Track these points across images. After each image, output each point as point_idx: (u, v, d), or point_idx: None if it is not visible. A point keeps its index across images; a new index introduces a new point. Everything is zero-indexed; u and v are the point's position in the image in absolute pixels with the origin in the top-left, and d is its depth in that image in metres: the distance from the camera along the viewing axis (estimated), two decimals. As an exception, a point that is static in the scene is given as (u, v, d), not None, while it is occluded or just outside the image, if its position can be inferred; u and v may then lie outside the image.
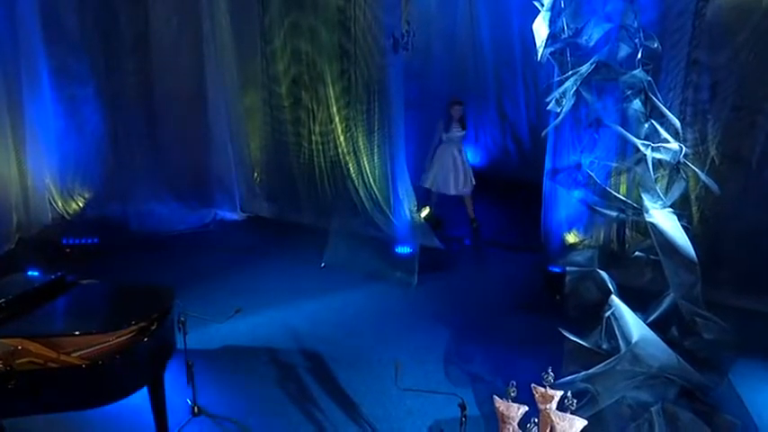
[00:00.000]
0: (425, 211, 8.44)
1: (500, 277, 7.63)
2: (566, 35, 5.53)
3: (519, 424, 3.57)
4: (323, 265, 7.90)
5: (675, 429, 4.15)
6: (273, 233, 8.78)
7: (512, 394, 3.57)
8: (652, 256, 5.07)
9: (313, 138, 8.37)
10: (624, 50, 5.36)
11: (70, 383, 4.35)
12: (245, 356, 6.18)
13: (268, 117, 8.67)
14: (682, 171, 5.16)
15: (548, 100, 5.64)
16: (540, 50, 5.57)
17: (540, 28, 5.56)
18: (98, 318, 4.71)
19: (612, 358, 4.48)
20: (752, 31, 5.91)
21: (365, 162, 8.00)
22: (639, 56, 5.34)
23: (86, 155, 8.66)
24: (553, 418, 3.41)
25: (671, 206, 5.12)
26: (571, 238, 6.86)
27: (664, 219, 5.03)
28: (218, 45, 8.41)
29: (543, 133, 5.95)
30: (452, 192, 8.46)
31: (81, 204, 8.77)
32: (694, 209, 5.95)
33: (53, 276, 5.05)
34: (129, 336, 4.61)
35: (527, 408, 3.57)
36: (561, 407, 3.47)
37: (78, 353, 4.45)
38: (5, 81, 7.80)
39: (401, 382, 5.66)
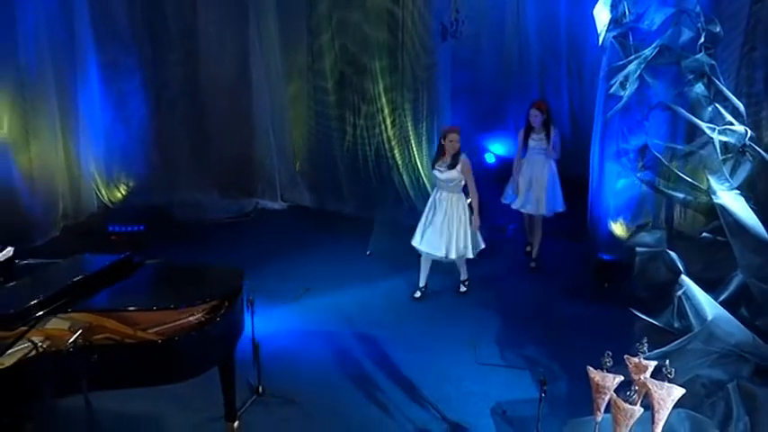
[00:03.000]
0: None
1: (547, 266, 7.64)
2: (627, 20, 5.57)
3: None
4: (368, 252, 7.95)
5: (752, 406, 4.19)
6: (316, 222, 8.84)
7: (607, 364, 3.60)
8: (719, 238, 5.11)
9: (358, 126, 8.43)
10: (686, 34, 5.39)
11: (146, 359, 4.40)
12: (302, 340, 6.24)
13: (312, 105, 8.74)
14: (747, 153, 5.19)
15: (611, 83, 5.67)
16: (602, 35, 5.61)
17: (602, 13, 5.60)
18: (171, 295, 4.71)
19: (687, 336, 4.52)
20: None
21: (414, 150, 8.05)
22: (702, 40, 5.37)
23: (132, 145, 8.78)
24: (651, 387, 3.44)
25: (737, 188, 5.17)
26: (618, 228, 6.90)
27: (732, 200, 5.07)
28: (262, 34, 8.49)
29: (609, 114, 5.96)
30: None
31: (124, 193, 8.88)
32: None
33: (120, 256, 5.11)
34: (203, 314, 4.67)
35: (622, 377, 3.62)
36: (657, 376, 3.51)
37: (154, 329, 4.52)
38: (57, 74, 7.97)
39: (480, 358, 5.86)
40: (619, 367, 3.80)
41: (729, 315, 4.60)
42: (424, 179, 8.42)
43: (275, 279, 7.16)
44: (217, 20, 8.49)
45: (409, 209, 8.29)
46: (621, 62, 5.67)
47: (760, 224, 4.94)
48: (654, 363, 3.57)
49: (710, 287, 4.83)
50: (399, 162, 8.33)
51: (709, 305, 4.66)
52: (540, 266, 7.58)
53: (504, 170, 8.26)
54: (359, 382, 5.64)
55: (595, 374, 3.59)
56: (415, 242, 6.75)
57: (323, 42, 8.41)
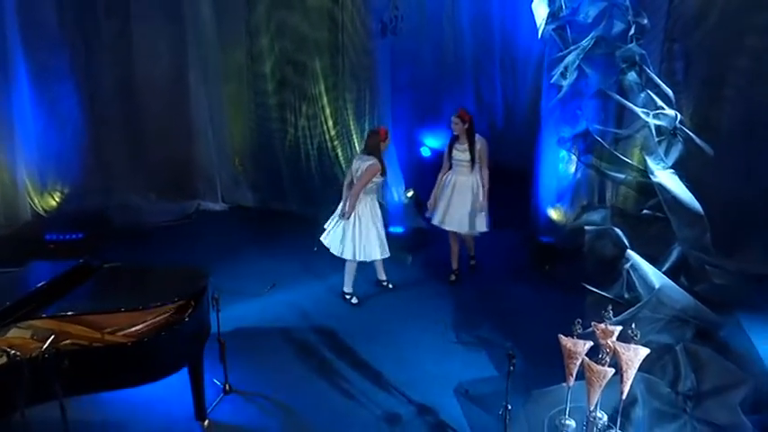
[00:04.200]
0: (410, 193, 8.68)
1: (489, 252, 7.93)
2: (564, 13, 5.93)
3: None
4: (315, 249, 8.00)
5: (696, 365, 4.59)
6: (259, 222, 8.85)
7: (578, 330, 3.86)
8: (659, 214, 5.52)
9: (299, 124, 8.48)
10: (618, 26, 5.79)
11: (117, 361, 4.38)
12: (260, 337, 6.28)
13: (252, 104, 8.72)
14: (678, 135, 5.63)
15: (552, 73, 6.02)
16: (541, 28, 5.95)
17: (539, 7, 5.93)
18: (137, 296, 4.70)
19: (638, 305, 4.88)
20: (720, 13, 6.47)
21: (356, 147, 8.17)
22: (632, 31, 5.78)
23: (66, 151, 8.49)
24: (618, 349, 3.72)
25: (671, 167, 5.60)
26: (556, 213, 7.30)
27: (668, 179, 5.49)
28: (198, 34, 8.41)
29: (551, 103, 6.31)
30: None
31: (59, 200, 8.57)
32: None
33: (77, 261, 5.01)
34: (170, 315, 4.66)
35: (592, 343, 3.89)
36: (623, 339, 3.80)
37: (122, 332, 4.48)
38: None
39: (448, 337, 6.13)
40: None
41: (673, 284, 5.01)
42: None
43: (224, 279, 7.09)
44: (151, 20, 8.35)
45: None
46: (561, 53, 6.04)
47: (694, 199, 5.40)
48: (619, 327, 3.87)
49: (653, 260, 5.23)
50: (342, 159, 8.43)
51: (655, 276, 5.05)
52: (478, 265, 7.52)
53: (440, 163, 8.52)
54: (323, 374, 5.73)
55: (567, 341, 3.85)
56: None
57: (262, 43, 8.41)
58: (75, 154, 8.50)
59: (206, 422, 5.07)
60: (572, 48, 5.86)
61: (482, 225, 6.87)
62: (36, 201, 8.45)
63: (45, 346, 4.02)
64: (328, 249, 6.68)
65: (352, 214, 6.46)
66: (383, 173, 6.49)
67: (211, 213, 9.14)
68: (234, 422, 5.15)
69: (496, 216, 8.33)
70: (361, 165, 6.44)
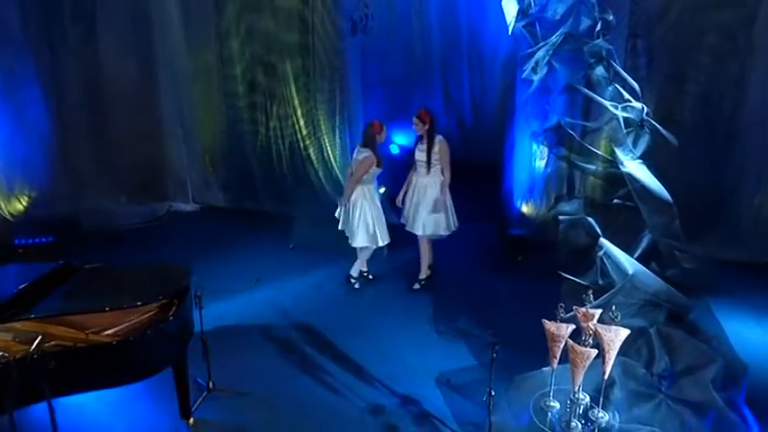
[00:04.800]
0: (382, 189, 8.76)
1: (462, 246, 8.06)
2: (533, 10, 6.10)
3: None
4: (291, 246, 8.07)
5: (670, 346, 4.79)
6: (232, 222, 8.86)
7: (561, 315, 4.00)
8: (629, 203, 5.73)
9: (271, 124, 8.49)
10: (585, 23, 5.99)
11: (103, 361, 4.35)
12: (241, 335, 6.29)
13: (223, 105, 8.70)
14: (645, 127, 5.85)
15: (524, 68, 6.18)
16: (511, 25, 6.12)
17: (509, 4, 6.09)
18: (121, 296, 4.65)
19: (612, 290, 5.06)
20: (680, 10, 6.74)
21: (327, 145, 8.23)
22: (599, 27, 5.98)
23: (33, 156, 8.35)
24: (600, 331, 3.87)
25: (640, 158, 5.82)
26: (526, 206, 7.49)
27: (637, 169, 5.70)
28: (166, 35, 8.36)
29: (523, 97, 6.49)
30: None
31: (26, 204, 8.42)
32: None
33: (58, 263, 4.97)
34: (153, 314, 4.66)
35: (575, 326, 4.03)
36: (603, 321, 3.95)
37: (106, 332, 4.46)
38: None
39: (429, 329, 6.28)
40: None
41: (646, 269, 5.21)
42: (338, 173, 8.63)
43: (200, 279, 7.10)
44: (118, 24, 8.28)
45: (326, 202, 8.46)
46: (531, 50, 6.21)
47: (663, 188, 5.62)
48: (599, 310, 4.02)
49: (624, 248, 5.42)
50: (314, 157, 8.48)
51: (628, 262, 5.25)
52: (427, 285, 7.16)
53: (409, 160, 8.62)
54: (306, 369, 5.77)
55: (550, 326, 3.98)
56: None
57: (232, 45, 8.41)
58: (43, 158, 8.36)
59: (191, 420, 5.07)
60: (541, 44, 6.05)
61: (439, 227, 6.76)
62: (2, 205, 8.29)
63: (33, 347, 3.98)
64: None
65: (350, 202, 6.72)
66: (379, 164, 6.64)
67: (183, 214, 9.12)
68: (219, 419, 5.15)
69: (468, 210, 8.51)
70: (358, 156, 6.64)
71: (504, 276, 7.39)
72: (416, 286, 7.12)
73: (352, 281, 7.12)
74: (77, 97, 8.38)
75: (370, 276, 7.26)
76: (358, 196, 6.71)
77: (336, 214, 6.99)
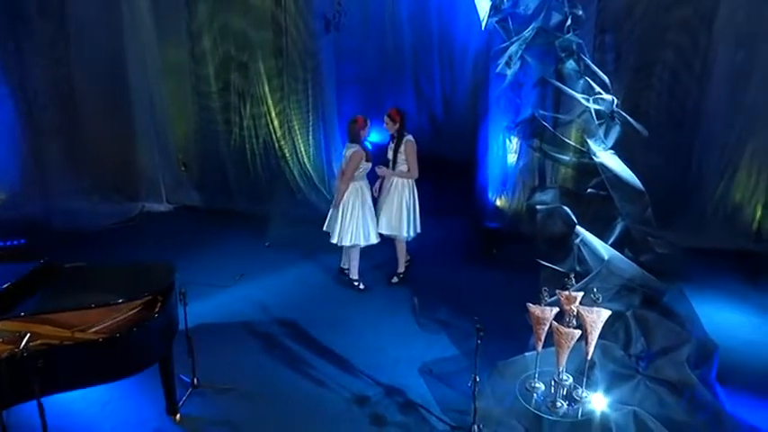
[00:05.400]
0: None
1: (438, 240, 8.20)
2: (505, 6, 6.26)
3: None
4: (267, 244, 8.08)
5: (645, 328, 4.98)
6: (206, 221, 8.83)
7: (545, 299, 4.13)
8: (602, 192, 5.92)
9: (244, 122, 8.49)
10: (556, 18, 6.15)
11: (90, 358, 4.33)
12: (223, 332, 6.29)
13: (196, 103, 8.66)
14: (616, 118, 6.05)
15: (498, 63, 6.34)
16: (485, 20, 6.27)
17: (482, 1, 6.24)
18: (105, 293, 4.62)
19: (589, 276, 5.22)
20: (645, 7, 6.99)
21: (301, 143, 8.26)
22: (569, 22, 6.16)
23: (2, 156, 8.22)
24: (583, 313, 4.01)
25: (611, 148, 6.02)
26: (500, 200, 7.66)
27: (609, 159, 5.89)
28: (137, 33, 8.31)
29: (498, 91, 6.65)
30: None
31: (-6, 207, 8.27)
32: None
33: (39, 262, 4.93)
34: (138, 311, 4.66)
35: (558, 308, 4.16)
36: (584, 304, 4.10)
37: (92, 329, 4.45)
38: None
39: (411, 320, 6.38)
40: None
41: (621, 255, 5.40)
42: (310, 171, 8.67)
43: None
44: (87, 21, 8.18)
45: (302, 200, 8.52)
46: (504, 44, 6.36)
47: (634, 176, 5.82)
48: (581, 293, 4.17)
49: (598, 235, 5.60)
50: (288, 156, 8.51)
51: (603, 248, 5.42)
52: (405, 278, 7.24)
53: (381, 157, 8.70)
54: (289, 364, 5.81)
55: (535, 309, 4.11)
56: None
57: (204, 45, 8.38)
58: (12, 159, 8.24)
59: (177, 416, 5.07)
60: (514, 38, 6.20)
61: (403, 228, 6.77)
62: (-30, 208, 8.15)
63: (22, 345, 3.95)
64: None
65: (342, 201, 6.65)
66: (368, 158, 6.64)
67: (156, 215, 9.07)
68: (206, 415, 5.16)
69: (441, 205, 8.65)
70: (346, 153, 6.66)
71: (480, 268, 7.55)
72: (395, 280, 7.20)
73: (355, 283, 7.06)
74: (47, 97, 8.27)
75: (347, 272, 7.27)
76: (350, 194, 6.66)
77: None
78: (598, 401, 4.43)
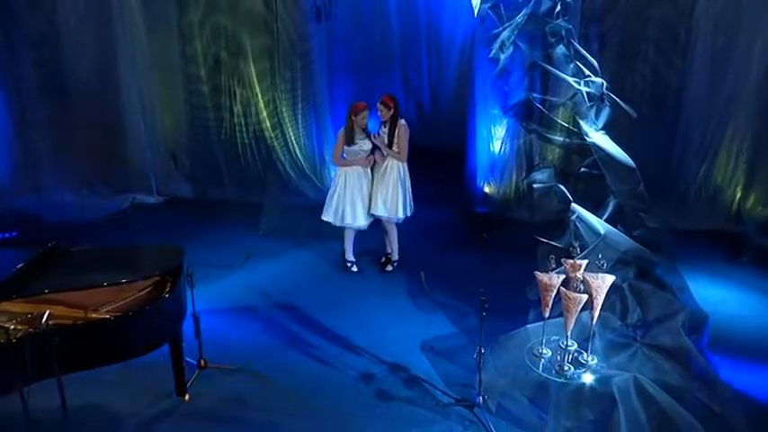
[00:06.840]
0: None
1: (429, 227, 8.34)
2: (498, -8, 6.47)
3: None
4: (262, 233, 8.15)
5: (640, 299, 5.20)
6: (199, 212, 8.84)
7: (552, 266, 4.30)
8: (594, 171, 6.12)
9: (235, 112, 8.54)
10: (546, 4, 6.35)
11: (103, 337, 4.39)
12: (224, 317, 6.35)
13: (185, 93, 8.68)
14: (606, 100, 6.26)
15: (491, 48, 6.51)
16: (477, 7, 6.43)
17: (475, -13, 6.45)
18: (117, 273, 4.67)
19: (587, 250, 5.41)
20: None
21: (291, 132, 8.34)
22: (558, 8, 6.36)
23: (-9, 152, 8.16)
24: (588, 279, 4.18)
25: (602, 129, 6.23)
26: (488, 186, 7.85)
27: (601, 139, 6.10)
28: (126, 22, 8.29)
29: (493, 75, 6.82)
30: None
31: (-18, 200, 8.21)
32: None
33: (46, 247, 4.96)
34: (148, 291, 4.72)
35: (565, 275, 4.34)
36: (591, 270, 4.28)
37: (105, 309, 4.50)
38: None
39: (429, 289, 6.54)
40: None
41: (616, 230, 5.62)
42: (301, 159, 8.77)
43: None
44: (76, 11, 8.15)
45: (294, 188, 8.61)
46: (497, 30, 6.54)
47: (626, 155, 6.05)
48: (586, 261, 4.35)
49: (592, 212, 5.81)
50: (279, 145, 8.58)
51: (599, 224, 5.63)
52: (400, 264, 7.32)
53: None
54: (293, 345, 5.92)
55: (543, 276, 4.28)
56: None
57: (194, 30, 8.41)
58: (2, 152, 8.18)
59: (186, 397, 5.14)
60: (507, 24, 6.39)
61: (399, 209, 6.84)
62: (-40, 202, 8.08)
63: (43, 320, 4.00)
64: None
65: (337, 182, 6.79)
66: (348, 142, 6.65)
67: (147, 206, 9.04)
68: (214, 395, 5.23)
69: (431, 193, 8.77)
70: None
71: (471, 252, 7.71)
72: (389, 268, 7.29)
73: (349, 265, 7.19)
74: (37, 90, 8.24)
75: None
76: (350, 176, 6.74)
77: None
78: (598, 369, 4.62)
